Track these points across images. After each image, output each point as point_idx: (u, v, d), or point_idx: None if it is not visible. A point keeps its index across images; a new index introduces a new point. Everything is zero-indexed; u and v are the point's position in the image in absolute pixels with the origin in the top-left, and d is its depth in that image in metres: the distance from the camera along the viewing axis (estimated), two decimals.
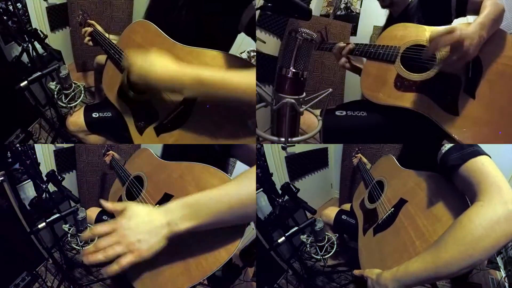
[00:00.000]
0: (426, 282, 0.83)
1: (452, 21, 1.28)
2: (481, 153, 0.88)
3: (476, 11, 1.16)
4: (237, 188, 0.88)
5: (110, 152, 1.75)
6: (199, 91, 0.96)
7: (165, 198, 1.11)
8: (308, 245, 1.68)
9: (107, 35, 1.43)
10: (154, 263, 0.89)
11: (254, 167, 0.95)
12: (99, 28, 1.47)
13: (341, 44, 1.41)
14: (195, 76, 0.94)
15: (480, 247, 0.74)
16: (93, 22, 1.47)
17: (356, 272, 1.06)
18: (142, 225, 0.76)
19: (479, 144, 0.94)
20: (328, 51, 1.49)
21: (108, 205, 0.84)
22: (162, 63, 0.96)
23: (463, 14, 1.26)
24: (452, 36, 0.99)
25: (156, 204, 1.12)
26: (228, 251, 0.93)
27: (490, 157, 0.88)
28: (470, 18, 1.29)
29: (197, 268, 0.93)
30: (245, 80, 0.91)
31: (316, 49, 1.50)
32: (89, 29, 1.45)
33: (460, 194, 0.93)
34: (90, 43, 1.46)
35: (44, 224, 1.45)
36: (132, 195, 1.28)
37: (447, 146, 0.95)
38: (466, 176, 0.87)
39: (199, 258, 0.93)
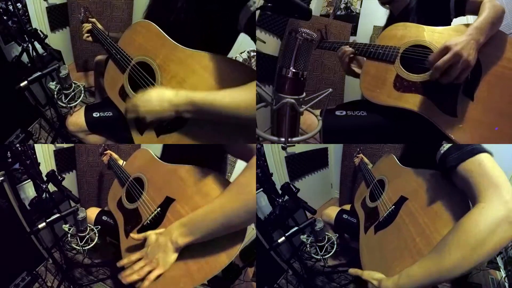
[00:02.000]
0: (428, 286, 0.83)
1: (451, 20, 1.28)
2: (480, 150, 0.87)
3: (475, 11, 1.16)
4: (224, 203, 0.94)
5: (108, 151, 1.73)
6: (196, 113, 1.01)
7: (167, 201, 1.12)
8: (308, 245, 1.67)
9: (106, 33, 1.43)
10: None
11: (249, 170, 0.95)
12: (99, 25, 1.47)
13: (346, 48, 1.39)
14: (189, 100, 0.99)
15: (483, 251, 0.74)
16: (94, 20, 1.48)
17: (351, 271, 1.06)
18: (156, 248, 0.98)
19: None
20: (327, 49, 1.49)
21: (135, 236, 1.06)
22: (158, 94, 1.02)
23: (462, 13, 1.26)
24: (450, 55, 1.00)
25: (158, 207, 1.13)
26: (229, 255, 0.96)
27: (490, 153, 0.87)
28: (469, 17, 1.29)
29: (198, 271, 0.95)
30: (237, 99, 0.94)
31: (316, 47, 1.50)
32: (89, 26, 1.46)
33: (460, 191, 0.93)
34: (89, 38, 1.48)
35: (44, 224, 1.44)
36: (132, 197, 1.28)
37: (446, 146, 0.95)
38: (465, 177, 0.86)
39: (201, 261, 0.96)
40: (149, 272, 0.96)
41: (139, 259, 0.99)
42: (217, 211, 0.94)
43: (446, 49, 1.00)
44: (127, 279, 0.95)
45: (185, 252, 0.97)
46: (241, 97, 0.93)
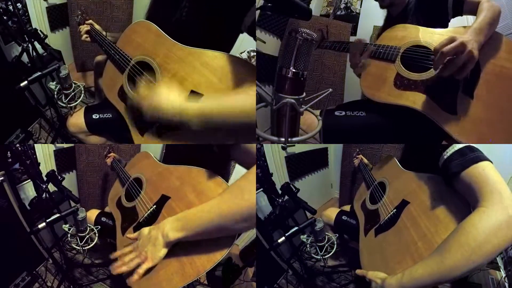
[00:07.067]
0: (430, 286, 0.84)
1: (449, 21, 1.29)
2: (482, 158, 0.89)
3: (473, 12, 1.18)
4: (222, 203, 0.92)
5: (112, 154, 1.76)
6: (203, 123, 0.97)
7: (162, 199, 1.13)
8: (308, 245, 1.67)
9: (104, 33, 1.43)
10: None
11: (251, 175, 0.94)
12: (96, 26, 1.48)
13: (357, 42, 1.35)
14: (198, 111, 0.95)
15: (483, 252, 0.76)
16: (91, 21, 1.49)
17: (358, 271, 1.07)
18: (146, 241, 0.99)
19: (480, 145, 0.95)
20: (328, 49, 1.49)
21: (130, 236, 1.06)
22: (168, 100, 0.96)
23: (459, 13, 1.26)
24: (456, 44, 1.00)
25: (153, 205, 1.14)
26: (221, 251, 0.95)
27: (491, 162, 0.89)
28: (469, 18, 1.29)
29: (191, 267, 0.95)
30: (245, 106, 0.91)
31: (317, 47, 1.50)
32: (87, 27, 1.47)
33: (461, 196, 0.93)
34: (88, 39, 1.49)
35: (44, 224, 1.44)
36: (131, 196, 1.29)
37: (449, 152, 0.95)
38: (467, 182, 0.88)
39: (193, 257, 0.96)
40: (139, 265, 0.96)
41: (131, 252, 0.99)
42: (213, 210, 0.92)
43: (453, 38, 1.00)
44: (116, 270, 0.96)
45: (178, 249, 0.97)
46: (247, 102, 0.91)
